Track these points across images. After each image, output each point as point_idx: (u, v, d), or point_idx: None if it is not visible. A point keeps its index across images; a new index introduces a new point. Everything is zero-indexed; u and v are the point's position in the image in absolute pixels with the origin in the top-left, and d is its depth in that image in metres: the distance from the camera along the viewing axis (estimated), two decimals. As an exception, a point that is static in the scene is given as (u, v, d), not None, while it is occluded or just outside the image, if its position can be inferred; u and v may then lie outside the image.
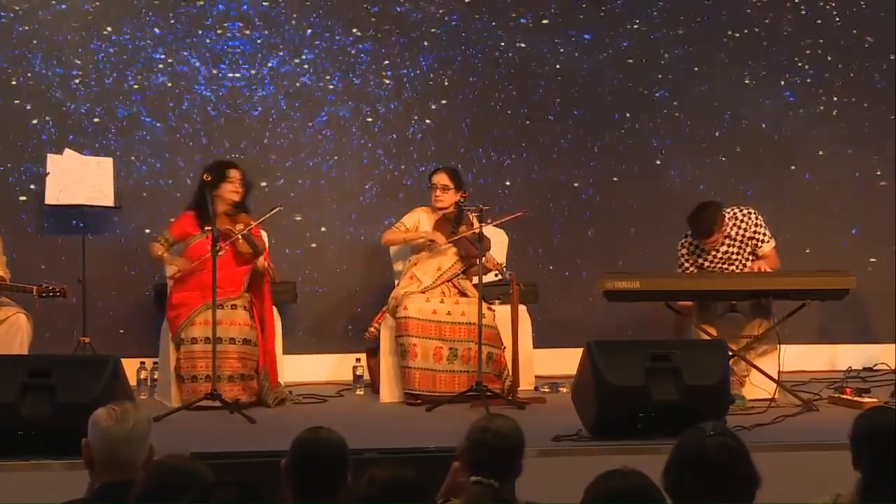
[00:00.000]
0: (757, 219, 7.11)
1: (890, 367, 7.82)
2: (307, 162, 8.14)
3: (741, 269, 7.08)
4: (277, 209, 6.92)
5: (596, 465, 3.07)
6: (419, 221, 7.32)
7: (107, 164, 7.56)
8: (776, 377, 6.78)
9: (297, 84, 8.12)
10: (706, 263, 7.11)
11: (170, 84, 7.97)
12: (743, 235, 7.08)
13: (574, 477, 3.22)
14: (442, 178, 7.28)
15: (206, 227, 6.82)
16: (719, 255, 7.09)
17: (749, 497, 2.97)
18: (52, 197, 7.47)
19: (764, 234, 7.10)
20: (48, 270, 7.57)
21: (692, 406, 5.54)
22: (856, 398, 6.74)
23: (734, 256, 7.10)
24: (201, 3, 7.99)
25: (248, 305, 6.92)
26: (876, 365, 7.94)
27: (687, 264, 7.15)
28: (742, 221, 7.09)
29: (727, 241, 7.07)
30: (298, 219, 8.09)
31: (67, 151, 7.56)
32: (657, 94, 8.46)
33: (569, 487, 3.24)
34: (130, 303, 7.87)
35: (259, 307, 6.98)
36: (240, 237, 6.87)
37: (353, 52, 8.17)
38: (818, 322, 8.29)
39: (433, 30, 8.24)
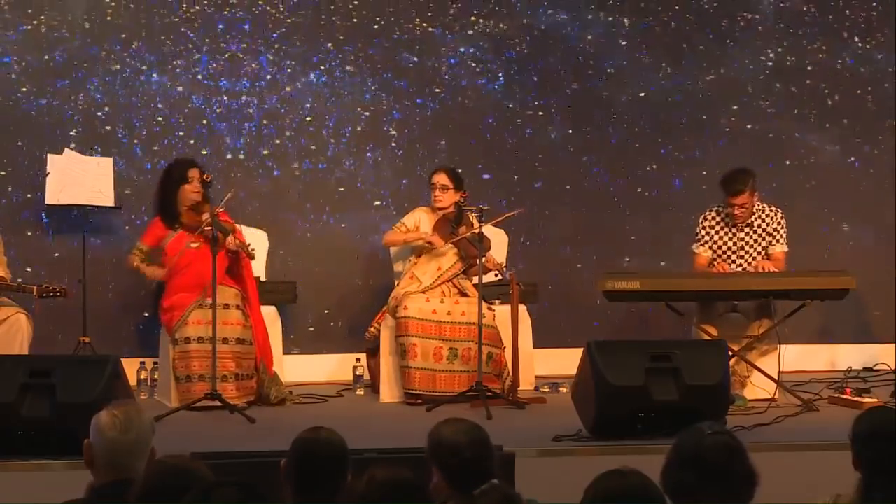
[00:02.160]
0: (782, 219, 7.16)
1: (890, 367, 7.82)
2: (308, 164, 8.13)
3: (749, 263, 7.09)
4: (230, 193, 6.96)
5: (596, 465, 3.07)
6: (419, 221, 7.31)
7: (107, 164, 7.54)
8: (776, 377, 6.78)
9: (298, 87, 8.11)
10: (720, 242, 7.12)
11: (170, 87, 7.97)
12: (764, 230, 7.12)
13: (574, 477, 3.22)
14: (441, 178, 7.27)
15: (176, 226, 7.00)
16: (735, 238, 7.10)
17: (749, 495, 2.97)
18: (52, 197, 7.45)
19: (782, 236, 7.14)
20: (48, 270, 7.57)
21: (692, 406, 5.53)
22: (856, 398, 6.74)
23: (747, 247, 7.11)
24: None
25: (242, 304, 6.92)
26: (876, 365, 7.94)
27: (706, 238, 7.15)
28: (768, 216, 7.14)
29: (747, 228, 7.10)
30: (298, 219, 8.09)
31: (67, 151, 7.55)
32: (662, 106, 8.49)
33: (569, 487, 3.24)
34: (130, 303, 7.86)
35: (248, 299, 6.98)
36: (208, 225, 6.82)
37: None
38: (818, 322, 8.28)
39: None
